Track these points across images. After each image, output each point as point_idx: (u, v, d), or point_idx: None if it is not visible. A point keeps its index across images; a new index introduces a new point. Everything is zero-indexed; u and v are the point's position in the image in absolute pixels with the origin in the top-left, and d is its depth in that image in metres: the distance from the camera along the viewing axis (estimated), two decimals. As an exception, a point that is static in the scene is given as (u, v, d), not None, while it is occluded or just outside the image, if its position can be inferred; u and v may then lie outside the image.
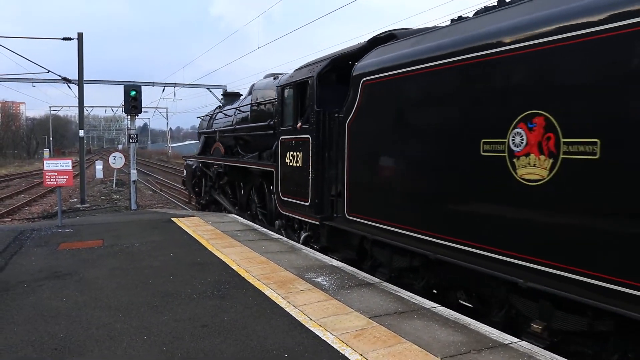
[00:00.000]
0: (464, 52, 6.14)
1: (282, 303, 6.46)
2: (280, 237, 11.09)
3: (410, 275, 7.91)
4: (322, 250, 9.94)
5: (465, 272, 6.33)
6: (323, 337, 5.37)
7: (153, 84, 49.52)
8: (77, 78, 25.85)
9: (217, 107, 19.56)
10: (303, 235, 10.69)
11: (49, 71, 28.02)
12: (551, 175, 5.06)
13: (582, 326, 5.13)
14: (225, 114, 17.02)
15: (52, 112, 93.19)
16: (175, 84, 57.35)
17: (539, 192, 5.22)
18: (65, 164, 12.35)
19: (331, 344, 5.20)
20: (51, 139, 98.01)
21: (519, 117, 5.38)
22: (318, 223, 9.69)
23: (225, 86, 57.63)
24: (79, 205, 24.56)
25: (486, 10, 6.59)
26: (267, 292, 6.94)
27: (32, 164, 79.60)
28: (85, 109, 27.85)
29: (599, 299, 4.71)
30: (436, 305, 6.48)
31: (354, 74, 8.40)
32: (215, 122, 18.05)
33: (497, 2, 6.53)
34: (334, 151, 9.25)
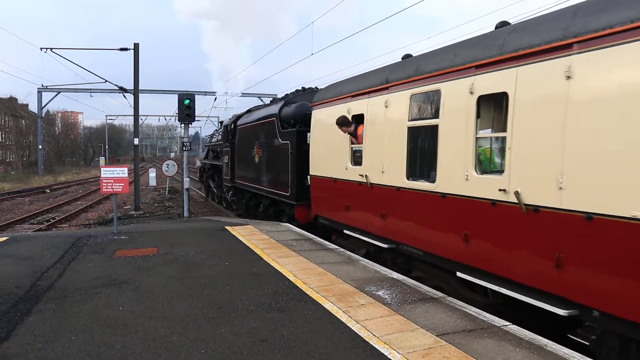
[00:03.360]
0: (255, 122, 18.28)
1: (343, 317, 6.18)
2: (337, 247, 10.82)
3: (250, 202, 19.82)
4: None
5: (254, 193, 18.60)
6: (389, 356, 5.06)
7: (205, 92, 50.29)
8: (132, 87, 26.40)
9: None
10: (228, 194, 23.60)
11: (106, 81, 28.77)
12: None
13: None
14: (213, 135, 30.37)
15: (108, 121, 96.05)
16: (227, 93, 58.22)
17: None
18: (122, 172, 12.45)
19: (399, 364, 4.89)
20: (107, 147, 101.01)
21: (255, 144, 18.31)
22: (230, 185, 22.49)
23: (276, 94, 58.14)
24: (133, 212, 24.95)
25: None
26: (327, 305, 6.68)
27: (88, 171, 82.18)
28: (139, 118, 28.37)
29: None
30: (507, 323, 6.07)
31: (237, 125, 21.12)
32: (212, 138, 29.75)
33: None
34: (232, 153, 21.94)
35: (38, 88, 56.30)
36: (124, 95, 31.54)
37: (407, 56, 9.33)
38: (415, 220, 8.67)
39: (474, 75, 7.08)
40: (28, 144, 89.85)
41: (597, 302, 5.41)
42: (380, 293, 7.28)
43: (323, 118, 12.26)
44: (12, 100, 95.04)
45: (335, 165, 11.51)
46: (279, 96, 21.09)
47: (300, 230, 13.14)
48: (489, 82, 6.85)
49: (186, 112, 19.51)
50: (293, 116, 14.71)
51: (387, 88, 9.45)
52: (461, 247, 7.36)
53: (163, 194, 35.22)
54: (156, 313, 6.42)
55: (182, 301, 6.94)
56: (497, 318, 6.27)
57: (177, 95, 20.62)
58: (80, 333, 5.73)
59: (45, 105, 61.61)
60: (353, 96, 10.79)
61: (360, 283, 7.84)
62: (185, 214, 20.16)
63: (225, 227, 13.55)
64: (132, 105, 26.44)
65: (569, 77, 5.60)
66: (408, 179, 8.71)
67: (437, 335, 5.59)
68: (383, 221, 9.60)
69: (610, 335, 5.58)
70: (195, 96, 20.82)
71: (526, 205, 6.13)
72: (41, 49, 25.21)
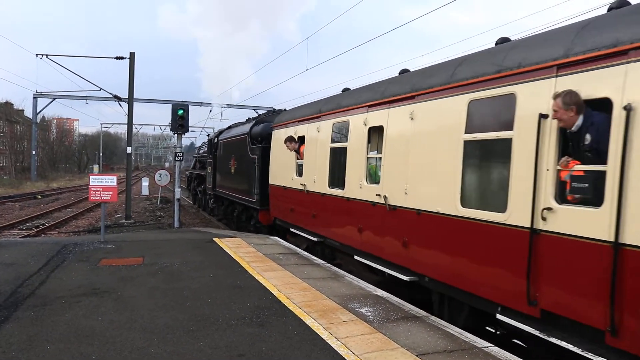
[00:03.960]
0: (233, 138, 20.58)
1: (324, 334, 6.13)
2: (323, 262, 10.78)
3: (228, 208, 22.05)
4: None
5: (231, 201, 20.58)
6: (367, 375, 5.01)
7: (201, 103, 50.32)
8: (127, 96, 26.39)
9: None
10: (210, 201, 25.83)
11: (100, 89, 28.80)
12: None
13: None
14: (201, 147, 33.68)
15: (103, 129, 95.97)
16: (222, 104, 58.28)
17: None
18: (110, 180, 12.42)
19: (376, 383, 4.84)
20: (101, 154, 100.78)
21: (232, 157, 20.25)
22: (212, 193, 24.39)
23: (272, 107, 58.25)
24: (123, 221, 24.82)
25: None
26: (308, 321, 6.63)
27: (82, 178, 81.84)
28: (134, 127, 28.40)
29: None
30: (489, 344, 6.03)
31: (219, 139, 23.18)
32: (200, 150, 32.96)
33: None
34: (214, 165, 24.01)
35: (33, 94, 56.24)
36: (119, 104, 31.47)
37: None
38: (333, 218, 11.20)
39: (367, 112, 9.74)
40: (22, 150, 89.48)
41: (426, 270, 7.83)
42: (363, 310, 7.24)
43: (279, 137, 14.61)
44: (8, 105, 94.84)
45: (286, 176, 14.09)
46: (276, 108, 21.41)
47: (287, 244, 13.10)
48: (375, 118, 9.44)
49: (179, 123, 19.49)
50: (260, 134, 17.03)
51: (319, 117, 12.08)
52: (357, 237, 9.91)
53: (155, 204, 35.08)
54: (136, 324, 6.36)
55: (163, 312, 6.88)
56: (478, 339, 6.23)
57: (171, 105, 20.63)
58: (57, 342, 5.67)
59: (40, 111, 61.55)
60: (299, 121, 13.43)
61: (343, 299, 7.80)
62: (176, 224, 20.07)
63: (214, 238, 13.50)
64: (127, 114, 26.42)
65: (412, 118, 8.18)
66: (329, 187, 11.30)
67: (417, 355, 5.54)
68: (314, 220, 12.22)
69: (435, 293, 7.97)
70: (192, 107, 20.88)
71: (389, 205, 8.69)
72: (37, 55, 25.21)
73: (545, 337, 5.55)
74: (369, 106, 9.59)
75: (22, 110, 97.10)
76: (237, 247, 12.24)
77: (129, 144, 26.73)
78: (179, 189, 20.34)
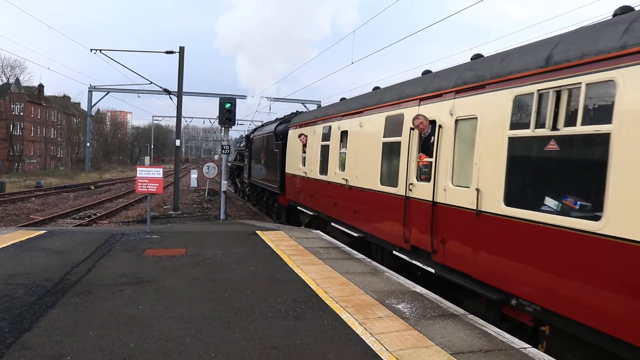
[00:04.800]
0: (263, 134, 24.54)
1: (359, 330, 6.13)
2: (364, 257, 10.76)
3: (259, 195, 26.22)
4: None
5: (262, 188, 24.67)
6: (399, 372, 4.99)
7: (248, 96, 50.79)
8: (176, 90, 26.92)
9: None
10: (246, 189, 30.52)
11: (151, 82, 29.45)
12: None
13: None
14: (241, 141, 35.60)
15: (154, 122, 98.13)
16: (270, 97, 58.76)
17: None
18: (157, 172, 12.70)
19: (407, 381, 4.81)
20: (152, 147, 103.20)
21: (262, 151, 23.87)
22: (247, 181, 28.85)
23: (320, 101, 58.40)
24: (171, 212, 25.40)
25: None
26: (344, 316, 6.64)
27: (133, 170, 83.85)
28: (184, 120, 29.14)
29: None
30: (527, 345, 5.90)
31: (253, 135, 27.32)
32: (240, 144, 34.70)
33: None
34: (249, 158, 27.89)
35: (88, 88, 58.03)
36: (169, 97, 32.08)
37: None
38: (322, 198, 14.88)
39: (340, 120, 13.63)
40: (78, 141, 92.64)
41: (368, 229, 11.47)
42: (400, 306, 7.20)
43: (294, 135, 18.21)
44: (65, 98, 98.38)
45: (296, 166, 17.88)
46: (322, 103, 23.97)
47: (329, 238, 13.13)
48: (344, 124, 13.19)
49: (227, 116, 19.81)
50: (282, 132, 20.59)
51: (315, 122, 16.11)
52: (333, 209, 13.86)
53: (202, 196, 35.74)
54: (174, 314, 6.51)
55: (201, 303, 7.01)
56: (516, 339, 6.11)
57: (219, 98, 20.93)
58: (98, 329, 5.86)
59: (95, 104, 63.48)
60: (305, 124, 17.40)
61: (381, 295, 7.77)
62: (222, 216, 20.43)
63: (256, 231, 13.65)
64: (177, 107, 26.96)
65: (361, 126, 11.98)
66: (320, 174, 15.03)
67: (451, 354, 5.47)
68: (312, 199, 16.04)
69: (375, 247, 11.48)
70: (239, 100, 21.15)
71: (348, 185, 12.47)
72: (91, 50, 25.94)
73: (413, 261, 9.12)
74: (342, 116, 13.51)
75: (79, 104, 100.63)
76: (279, 240, 12.35)
77: (178, 137, 27.30)
78: (226, 182, 20.71)
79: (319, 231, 14.25)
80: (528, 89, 6.52)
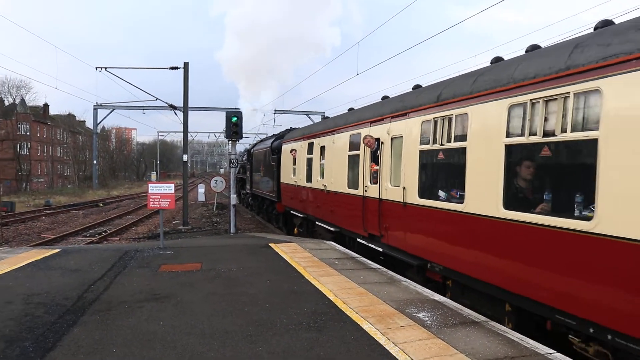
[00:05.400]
0: (261, 149, 28.09)
1: (381, 339, 6.12)
2: (379, 267, 10.75)
3: (260, 203, 29.11)
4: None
5: (262, 197, 27.39)
6: (426, 381, 4.97)
7: (254, 109, 50.94)
8: (182, 105, 27.07)
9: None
10: (249, 199, 33.62)
11: (157, 99, 29.58)
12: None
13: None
14: (244, 154, 37.16)
15: (160, 137, 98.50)
16: (275, 110, 58.94)
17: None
18: (168, 188, 12.75)
19: (435, 390, 4.79)
20: (158, 162, 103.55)
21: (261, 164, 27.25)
22: (249, 192, 31.99)
23: (324, 112, 58.51)
24: (181, 227, 25.47)
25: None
26: (366, 326, 6.63)
27: (140, 186, 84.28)
28: (189, 134, 29.21)
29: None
30: (552, 351, 5.87)
31: (253, 150, 31.11)
32: (244, 157, 36.07)
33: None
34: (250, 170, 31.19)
35: (94, 105, 58.39)
36: (174, 112, 32.30)
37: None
38: (309, 202, 17.61)
39: (320, 137, 16.34)
40: (84, 159, 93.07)
41: (341, 225, 14.22)
42: (420, 315, 7.18)
43: (285, 150, 21.29)
44: (71, 117, 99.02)
45: (288, 176, 20.61)
46: (326, 114, 24.83)
47: (343, 249, 13.13)
48: (323, 141, 15.94)
49: (233, 130, 19.84)
50: (277, 147, 23.32)
51: (302, 139, 18.80)
52: (317, 211, 16.49)
53: (211, 210, 35.81)
54: (195, 329, 6.51)
55: (221, 318, 7.02)
56: (540, 345, 6.08)
57: (225, 112, 21.01)
58: (121, 346, 5.87)
59: (100, 122, 63.81)
60: (294, 140, 20.09)
61: (400, 304, 7.76)
62: (232, 229, 20.43)
63: (269, 244, 13.66)
64: (182, 122, 27.10)
65: (334, 142, 14.77)
66: (306, 182, 17.68)
67: (477, 361, 5.45)
68: (301, 204, 18.73)
69: (348, 239, 13.95)
70: (244, 113, 21.22)
71: (327, 190, 15.15)
72: (96, 68, 26.15)
73: (369, 245, 11.89)
74: (321, 134, 16.42)
75: (84, 122, 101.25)
76: (292, 252, 12.36)
77: (185, 152, 27.42)
78: (234, 195, 20.69)
79: (332, 242, 14.26)
80: (428, 117, 9.39)
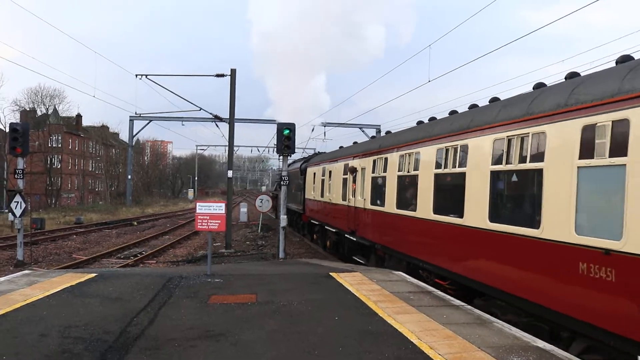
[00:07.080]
0: (292, 170, 33.22)
1: (489, 398, 5.48)
2: (463, 304, 10.06)
3: (292, 217, 35.62)
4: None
5: (293, 211, 35.15)
6: None
7: (304, 124, 50.91)
8: (227, 116, 26.98)
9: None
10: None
11: (200, 109, 29.52)
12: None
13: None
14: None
15: (198, 152, 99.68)
16: (325, 123, 58.76)
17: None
18: (219, 208, 12.44)
19: None
20: (196, 178, 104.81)
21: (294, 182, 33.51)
22: (301, 211, 34.35)
23: (380, 125, 57.99)
24: (223, 250, 25.22)
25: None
26: (465, 380, 5.99)
27: (176, 203, 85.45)
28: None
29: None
30: None
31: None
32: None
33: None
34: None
35: (130, 116, 59.39)
36: (216, 125, 32.38)
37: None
38: (322, 212, 25.48)
39: (327, 164, 24.71)
40: (117, 174, 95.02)
41: (340, 227, 21.72)
42: (528, 367, 6.49)
43: (309, 172, 29.33)
44: (104, 128, 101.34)
45: (311, 192, 28.45)
46: (382, 127, 30.56)
47: (415, 280, 12.47)
48: (329, 167, 24.20)
49: (285, 143, 19.48)
50: (304, 170, 31.02)
51: (318, 164, 27.00)
52: (327, 218, 24.47)
53: (255, 231, 35.62)
54: (260, 376, 6.02)
55: (289, 362, 6.50)
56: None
57: (275, 124, 20.71)
58: (176, 396, 5.41)
59: (136, 134, 64.85)
60: (315, 164, 28.14)
61: (499, 352, 7.08)
62: (281, 254, 19.99)
63: (330, 273, 13.14)
64: (224, 135, 27.18)
65: (335, 168, 22.93)
66: (320, 197, 25.42)
67: None
68: (318, 214, 26.54)
69: (332, 234, 23.93)
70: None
71: (331, 202, 23.08)
72: (136, 75, 26.36)
73: (351, 237, 19.47)
74: (328, 161, 24.35)
75: (117, 134, 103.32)
76: (358, 283, 11.79)
77: (230, 167, 27.35)
78: (285, 216, 20.21)
79: (401, 272, 13.60)
80: (376, 157, 16.71)
